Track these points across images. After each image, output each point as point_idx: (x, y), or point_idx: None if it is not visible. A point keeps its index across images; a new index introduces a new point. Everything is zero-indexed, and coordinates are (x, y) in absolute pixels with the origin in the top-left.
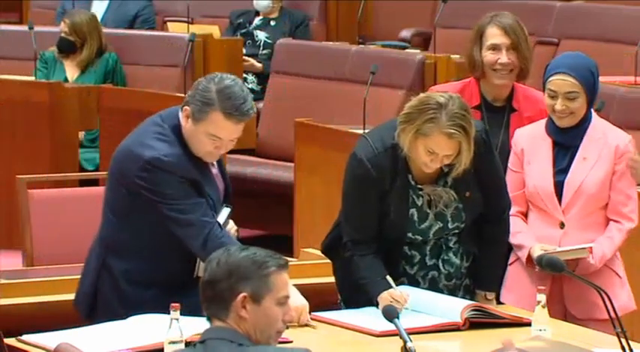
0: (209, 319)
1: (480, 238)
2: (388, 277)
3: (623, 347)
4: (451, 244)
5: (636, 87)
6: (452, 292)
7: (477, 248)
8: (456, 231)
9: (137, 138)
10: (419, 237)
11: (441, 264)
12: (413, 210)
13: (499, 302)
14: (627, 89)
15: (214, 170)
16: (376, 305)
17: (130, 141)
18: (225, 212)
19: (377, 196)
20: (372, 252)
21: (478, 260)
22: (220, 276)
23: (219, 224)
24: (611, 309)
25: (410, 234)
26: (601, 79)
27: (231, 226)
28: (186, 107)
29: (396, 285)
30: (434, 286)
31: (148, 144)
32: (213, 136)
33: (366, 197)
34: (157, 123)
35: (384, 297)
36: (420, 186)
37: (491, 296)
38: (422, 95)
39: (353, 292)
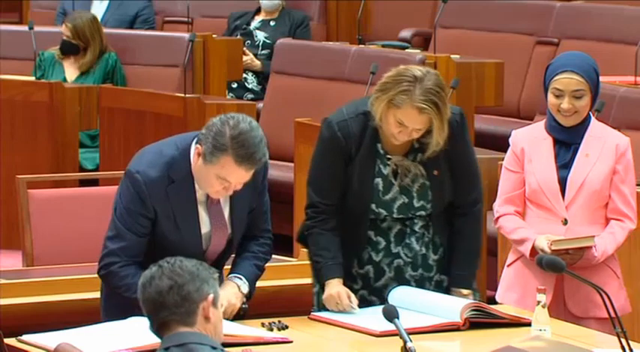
0: (159, 332)
1: (452, 232)
2: (352, 298)
3: (623, 347)
4: (417, 228)
5: (636, 87)
6: (420, 284)
7: (448, 241)
8: (422, 213)
9: (142, 151)
10: (383, 211)
11: (401, 250)
12: (378, 180)
13: (495, 303)
14: (627, 89)
15: (216, 208)
16: (322, 287)
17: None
18: None
19: (342, 160)
20: (332, 227)
21: (450, 255)
22: (184, 280)
23: (137, 262)
24: (611, 309)
25: (374, 206)
26: (601, 78)
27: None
28: (198, 146)
29: (373, 279)
30: (400, 275)
31: (141, 158)
32: (223, 179)
33: (331, 159)
34: (168, 142)
35: (333, 292)
36: (388, 156)
37: (467, 292)
38: (401, 67)
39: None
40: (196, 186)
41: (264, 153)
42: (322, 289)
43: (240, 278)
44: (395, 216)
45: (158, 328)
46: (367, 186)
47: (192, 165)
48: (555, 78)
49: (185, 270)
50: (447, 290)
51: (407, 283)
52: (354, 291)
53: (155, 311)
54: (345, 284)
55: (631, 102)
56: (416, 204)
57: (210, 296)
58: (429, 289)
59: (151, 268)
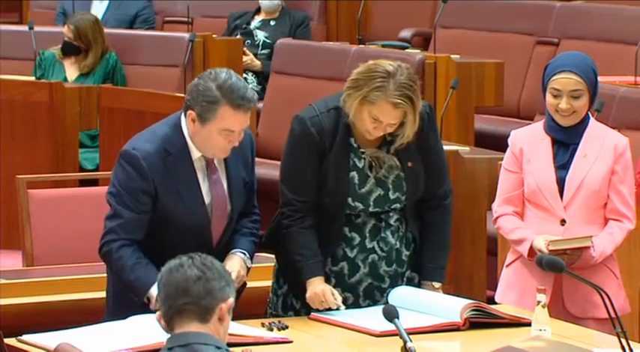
0: (171, 321)
1: (422, 225)
2: (336, 293)
3: (623, 347)
4: (392, 221)
5: (636, 87)
6: (394, 280)
7: (419, 235)
8: (398, 205)
9: (135, 135)
10: (359, 205)
11: (376, 244)
12: (353, 173)
13: (495, 303)
14: (627, 89)
15: (215, 176)
16: (304, 287)
17: None
18: None
19: (317, 156)
20: (309, 225)
21: (420, 249)
22: (212, 275)
23: (136, 242)
24: (611, 309)
25: (350, 200)
26: (601, 78)
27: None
28: (190, 111)
29: (347, 275)
30: (374, 271)
31: (134, 139)
32: (226, 130)
33: (306, 156)
34: (160, 122)
35: (317, 290)
36: (362, 150)
37: (437, 285)
38: (370, 62)
39: (295, 277)
40: (193, 157)
41: (252, 92)
42: (294, 289)
43: (244, 254)
44: (371, 209)
45: (172, 316)
46: (343, 180)
47: (187, 135)
48: (553, 78)
49: (214, 267)
50: (418, 286)
51: (381, 279)
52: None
53: (176, 297)
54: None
55: (631, 102)
56: (391, 196)
57: (230, 300)
58: (401, 285)
59: (180, 257)
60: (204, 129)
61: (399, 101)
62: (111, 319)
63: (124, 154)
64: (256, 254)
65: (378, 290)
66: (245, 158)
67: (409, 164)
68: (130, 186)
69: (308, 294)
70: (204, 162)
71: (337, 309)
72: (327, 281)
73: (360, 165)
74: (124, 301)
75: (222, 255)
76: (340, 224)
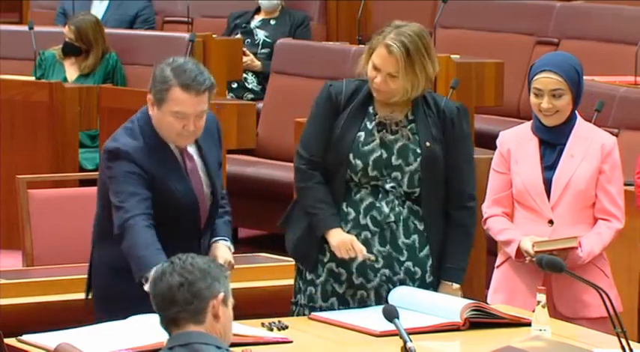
0: (168, 329)
1: (447, 226)
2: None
3: (622, 347)
4: (388, 187)
5: (636, 87)
6: (389, 264)
7: (439, 235)
8: (399, 175)
9: (112, 136)
10: (359, 163)
11: (369, 220)
12: (361, 133)
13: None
14: (627, 89)
15: (191, 164)
16: (321, 236)
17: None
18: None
19: (330, 114)
20: (322, 181)
21: (444, 248)
22: (195, 277)
23: (149, 215)
24: (610, 308)
25: (351, 156)
26: (601, 78)
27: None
28: (149, 96)
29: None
30: (367, 249)
31: (115, 137)
32: (178, 113)
33: (319, 113)
34: (130, 120)
35: (345, 238)
36: (377, 115)
37: (456, 286)
38: None
39: (305, 248)
40: (171, 146)
41: (208, 76)
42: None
43: (226, 240)
44: (370, 171)
45: (167, 324)
46: (349, 137)
47: (152, 119)
48: (535, 77)
49: (196, 267)
50: (436, 284)
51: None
52: (323, 264)
53: (165, 307)
54: (313, 255)
55: (631, 102)
56: (394, 161)
57: (221, 295)
58: (398, 273)
59: (162, 264)
60: (160, 112)
61: (391, 43)
62: (99, 321)
63: (111, 153)
64: (257, 254)
65: (371, 269)
66: (215, 140)
67: (427, 144)
68: (129, 172)
69: (335, 243)
70: (178, 151)
71: (370, 260)
72: (323, 255)
73: (370, 126)
74: (108, 304)
75: (207, 236)
76: (341, 185)
